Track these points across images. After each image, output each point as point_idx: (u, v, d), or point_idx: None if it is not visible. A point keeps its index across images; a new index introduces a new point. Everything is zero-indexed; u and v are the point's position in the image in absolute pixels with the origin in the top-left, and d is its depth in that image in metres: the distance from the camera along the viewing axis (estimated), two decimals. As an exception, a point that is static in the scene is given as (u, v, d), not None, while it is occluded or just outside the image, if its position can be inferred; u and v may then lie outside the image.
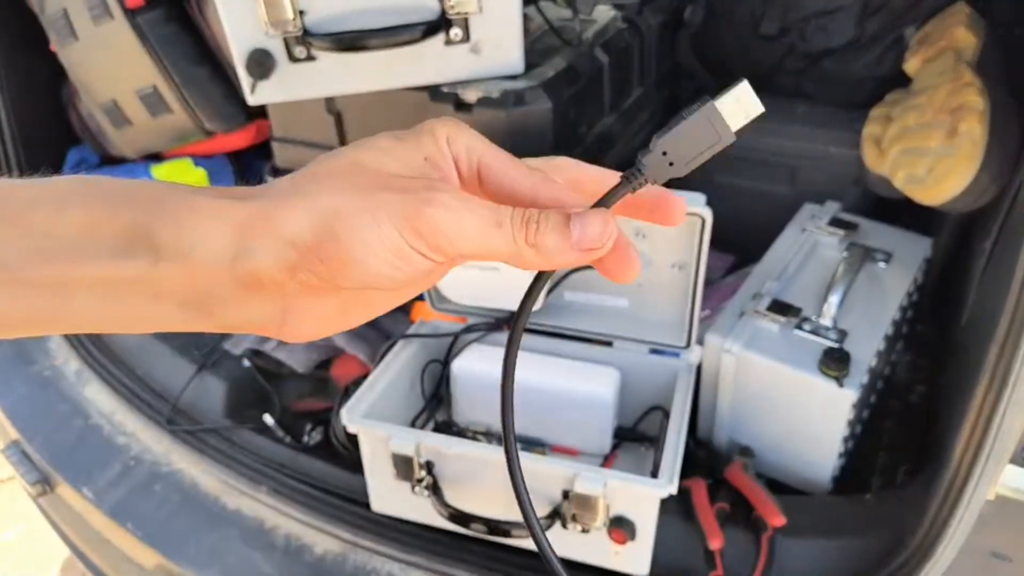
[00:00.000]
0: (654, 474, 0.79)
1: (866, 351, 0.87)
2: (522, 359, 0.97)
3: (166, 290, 0.30)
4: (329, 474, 0.99)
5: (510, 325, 0.99)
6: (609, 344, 0.96)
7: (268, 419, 1.07)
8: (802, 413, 0.89)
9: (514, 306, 1.01)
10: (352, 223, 0.28)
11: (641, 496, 0.76)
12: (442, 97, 0.97)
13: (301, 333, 0.32)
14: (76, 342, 1.23)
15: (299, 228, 0.28)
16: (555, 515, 0.80)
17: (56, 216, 0.29)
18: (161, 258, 0.29)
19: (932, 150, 0.94)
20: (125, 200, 0.30)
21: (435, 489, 0.84)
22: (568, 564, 0.80)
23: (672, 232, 0.87)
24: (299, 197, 0.29)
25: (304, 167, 0.31)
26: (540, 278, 0.33)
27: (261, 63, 0.92)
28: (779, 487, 0.94)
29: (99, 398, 1.18)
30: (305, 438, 1.05)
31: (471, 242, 0.30)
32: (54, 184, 0.30)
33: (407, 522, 0.90)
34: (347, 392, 1.03)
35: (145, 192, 0.31)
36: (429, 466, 0.83)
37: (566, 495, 0.79)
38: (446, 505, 0.83)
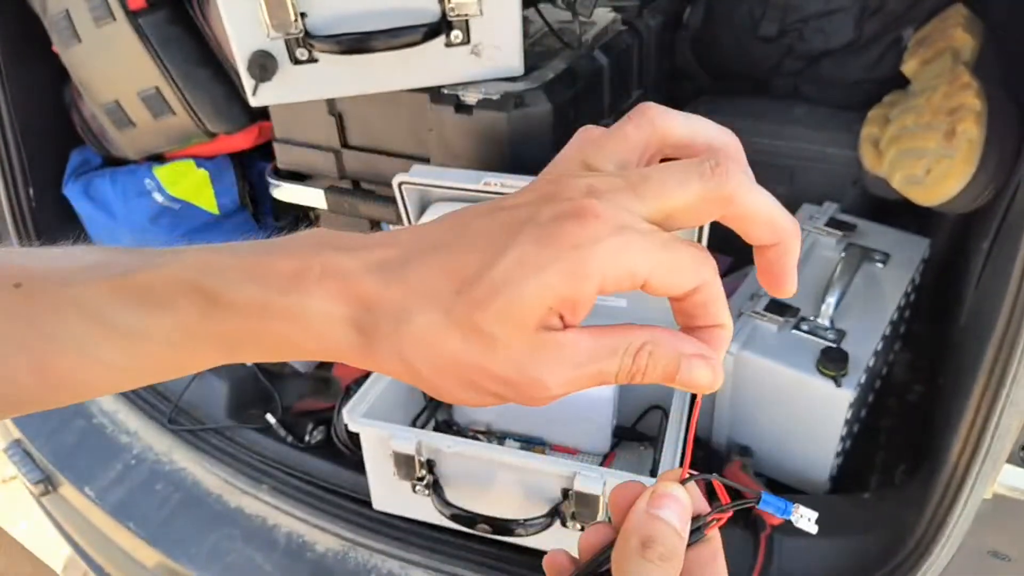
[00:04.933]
0: (653, 473, 0.79)
1: (864, 351, 0.88)
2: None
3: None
4: (331, 473, 0.99)
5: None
6: (609, 344, 0.97)
7: (270, 418, 1.08)
8: (800, 413, 0.89)
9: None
10: (453, 394, 0.30)
11: (640, 495, 0.77)
12: (443, 99, 0.97)
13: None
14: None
15: (402, 378, 0.31)
16: (555, 513, 0.81)
17: (150, 318, 0.31)
18: (274, 355, 0.32)
19: (930, 151, 0.94)
20: (222, 309, 0.31)
21: (436, 488, 0.84)
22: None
23: (671, 233, 0.87)
24: (402, 364, 0.30)
25: (420, 281, 0.30)
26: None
27: (263, 65, 0.93)
28: (778, 486, 0.95)
29: (101, 398, 1.18)
30: (307, 437, 1.05)
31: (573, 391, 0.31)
32: (129, 278, 0.32)
33: (407, 520, 0.91)
34: (348, 391, 1.03)
35: (243, 299, 0.31)
36: (430, 465, 0.84)
37: (566, 494, 0.80)
38: (447, 504, 0.83)
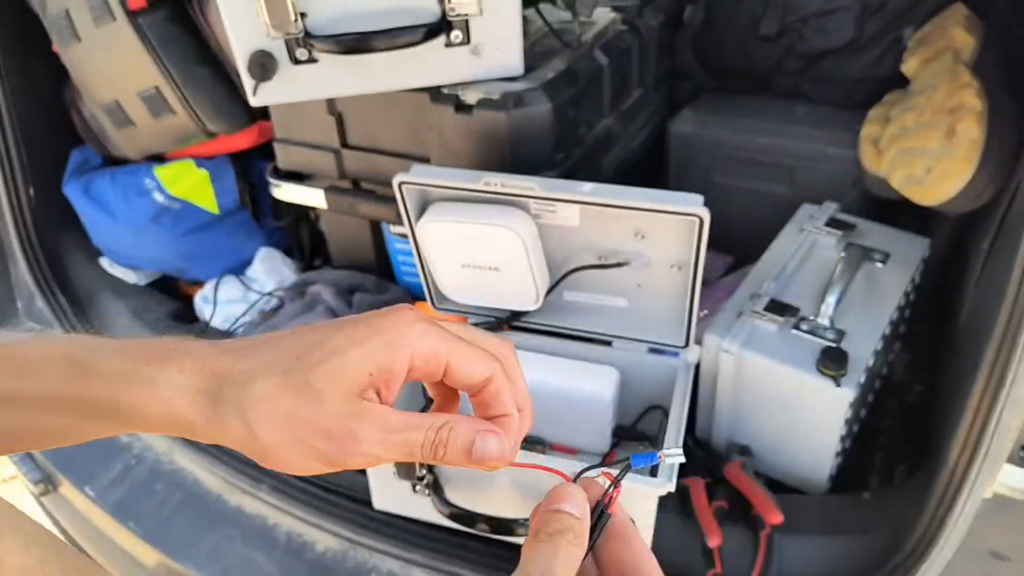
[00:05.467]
0: (653, 473, 0.79)
1: (864, 351, 0.88)
2: (521, 357, 0.97)
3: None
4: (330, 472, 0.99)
5: (510, 325, 0.99)
6: (608, 343, 0.97)
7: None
8: (800, 412, 0.89)
9: (514, 306, 1.01)
10: (283, 456, 0.35)
11: (640, 494, 0.77)
12: (443, 99, 0.97)
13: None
14: (78, 342, 1.24)
15: (238, 443, 0.35)
16: (555, 513, 0.81)
17: (17, 384, 0.35)
18: (128, 425, 0.36)
19: (930, 150, 0.94)
20: (87, 376, 0.35)
21: (436, 488, 0.84)
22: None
23: (671, 232, 0.87)
24: (241, 423, 0.35)
25: (268, 357, 0.36)
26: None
27: (263, 65, 0.93)
28: (777, 486, 0.95)
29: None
30: (306, 437, 1.05)
31: (385, 461, 0.37)
32: (11, 348, 0.36)
33: (408, 519, 0.91)
34: (348, 391, 1.03)
35: (108, 368, 0.36)
36: (430, 465, 0.84)
37: (566, 493, 0.79)
38: (447, 504, 0.83)
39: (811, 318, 0.91)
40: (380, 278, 1.25)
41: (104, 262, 1.38)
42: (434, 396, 0.43)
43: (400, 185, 0.89)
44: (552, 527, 0.35)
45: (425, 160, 1.03)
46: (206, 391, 0.35)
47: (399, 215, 0.92)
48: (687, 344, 0.92)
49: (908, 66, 1.11)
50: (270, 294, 1.27)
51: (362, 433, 0.35)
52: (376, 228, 1.23)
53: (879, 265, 1.01)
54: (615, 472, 0.39)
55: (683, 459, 0.39)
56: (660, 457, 0.39)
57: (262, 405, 0.34)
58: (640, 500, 0.78)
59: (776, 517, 0.82)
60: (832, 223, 1.07)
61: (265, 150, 1.27)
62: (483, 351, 0.38)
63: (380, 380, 0.36)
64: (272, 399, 0.34)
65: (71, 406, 0.36)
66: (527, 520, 0.81)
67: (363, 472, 0.90)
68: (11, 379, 0.35)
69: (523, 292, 0.93)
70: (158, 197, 1.28)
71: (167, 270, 1.37)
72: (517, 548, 0.86)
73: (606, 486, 0.38)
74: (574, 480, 0.39)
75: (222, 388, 0.35)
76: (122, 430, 0.37)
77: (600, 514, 0.37)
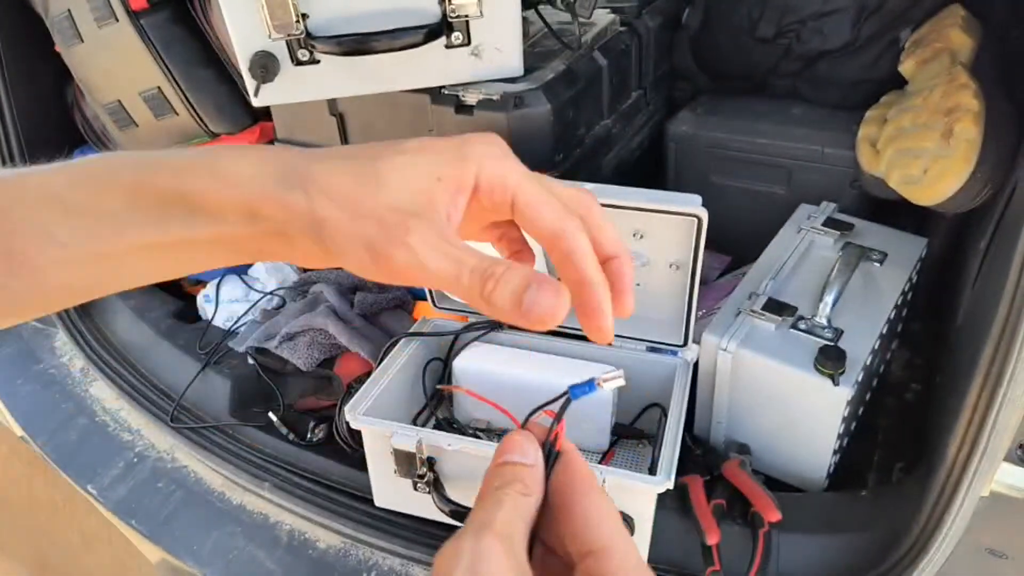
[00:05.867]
0: (652, 470, 0.80)
1: (861, 349, 0.88)
2: (521, 356, 0.98)
3: (206, 248, 0.36)
4: (333, 470, 1.00)
5: (509, 325, 1.00)
6: (607, 342, 0.97)
7: (272, 416, 1.08)
8: (798, 411, 0.89)
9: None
10: (334, 237, 0.34)
11: (639, 492, 0.77)
12: (443, 99, 0.98)
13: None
14: (81, 340, 1.24)
15: (298, 219, 0.34)
16: (554, 511, 0.81)
17: (96, 195, 0.35)
18: (194, 216, 0.35)
19: (927, 151, 0.95)
20: (156, 169, 0.35)
21: (437, 485, 0.85)
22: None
23: (669, 232, 0.88)
24: (304, 196, 0.34)
25: (338, 150, 0.37)
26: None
27: (265, 66, 0.93)
28: (775, 484, 0.95)
29: (104, 395, 1.19)
30: (309, 435, 1.06)
31: (432, 284, 0.34)
32: (85, 165, 0.36)
33: (409, 517, 0.91)
34: (350, 390, 1.04)
35: (175, 162, 0.36)
36: (431, 462, 0.84)
37: (565, 491, 0.80)
38: (447, 501, 0.84)
39: (809, 317, 0.92)
40: (381, 278, 1.26)
41: (106, 262, 1.38)
42: (509, 256, 0.41)
43: (401, 185, 0.89)
44: (496, 482, 0.34)
45: (426, 160, 1.03)
46: (272, 173, 0.35)
47: (400, 215, 0.93)
48: (686, 343, 0.93)
49: (905, 67, 1.12)
50: (272, 293, 1.27)
51: (415, 228, 0.33)
52: (377, 228, 1.23)
53: (877, 265, 1.01)
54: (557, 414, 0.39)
55: (623, 382, 0.38)
56: (598, 384, 0.38)
57: (325, 181, 0.34)
58: (639, 497, 0.78)
59: (774, 515, 0.82)
60: (830, 223, 1.07)
61: (267, 150, 1.27)
62: (558, 205, 0.36)
63: (447, 189, 0.35)
64: (336, 176, 0.34)
65: (145, 206, 0.35)
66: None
67: (364, 469, 0.91)
68: (91, 189, 0.35)
69: (523, 291, 0.93)
70: (160, 197, 1.28)
71: (169, 270, 1.37)
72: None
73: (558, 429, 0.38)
74: (522, 426, 0.38)
75: (286, 170, 0.35)
76: (193, 227, 0.35)
77: (548, 453, 0.37)
